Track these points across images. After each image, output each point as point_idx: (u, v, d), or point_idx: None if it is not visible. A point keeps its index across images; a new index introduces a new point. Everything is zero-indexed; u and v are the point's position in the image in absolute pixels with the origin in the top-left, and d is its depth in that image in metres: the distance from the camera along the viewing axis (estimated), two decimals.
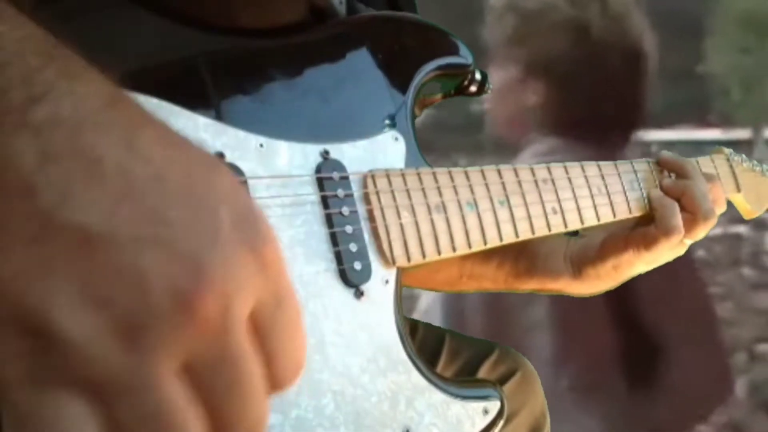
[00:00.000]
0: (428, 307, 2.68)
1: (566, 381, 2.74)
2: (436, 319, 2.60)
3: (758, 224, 3.88)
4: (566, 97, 2.84)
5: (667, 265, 1.26)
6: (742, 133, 4.28)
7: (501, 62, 2.75)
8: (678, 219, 1.17)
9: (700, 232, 1.21)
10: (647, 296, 2.76)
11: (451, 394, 0.94)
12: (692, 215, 1.19)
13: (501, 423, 0.97)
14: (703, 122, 4.29)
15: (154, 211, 0.44)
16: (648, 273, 1.26)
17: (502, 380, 1.29)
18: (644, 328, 2.84)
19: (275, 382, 0.49)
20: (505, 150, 2.90)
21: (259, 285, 0.47)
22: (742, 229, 3.86)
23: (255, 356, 0.47)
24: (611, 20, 2.86)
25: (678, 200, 1.20)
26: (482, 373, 1.29)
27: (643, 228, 1.19)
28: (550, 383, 2.68)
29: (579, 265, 1.23)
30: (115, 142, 0.44)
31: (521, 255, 1.26)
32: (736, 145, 4.20)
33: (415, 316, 2.50)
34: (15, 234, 0.42)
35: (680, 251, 1.24)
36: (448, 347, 1.31)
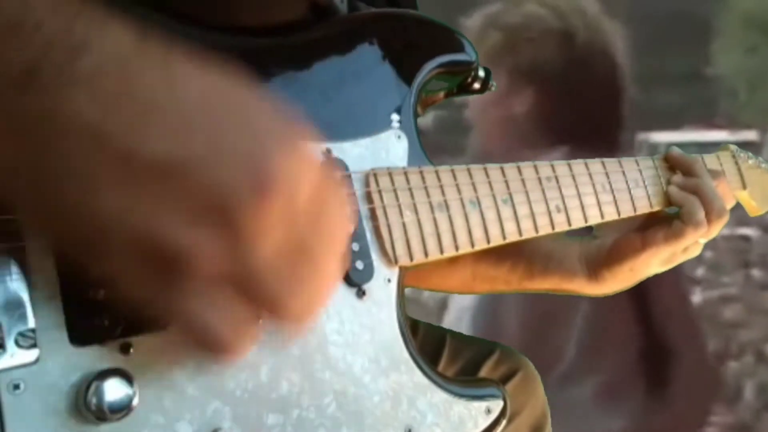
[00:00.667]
0: (459, 315, 2.68)
1: (591, 388, 2.75)
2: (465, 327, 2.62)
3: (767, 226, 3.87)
4: (554, 106, 2.86)
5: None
6: (749, 135, 4.26)
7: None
8: (703, 213, 1.19)
9: (714, 230, 1.21)
10: (660, 303, 2.78)
11: (454, 393, 0.94)
12: (706, 213, 1.19)
13: (504, 422, 0.97)
14: (711, 124, 4.27)
15: (211, 130, 0.51)
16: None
17: (504, 380, 1.29)
18: (659, 334, 2.85)
19: (325, 268, 0.60)
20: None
21: (308, 172, 0.56)
22: (750, 231, 3.84)
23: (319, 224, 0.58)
24: (593, 30, 2.89)
25: None
26: (483, 373, 1.29)
27: (663, 224, 1.20)
28: (576, 390, 2.71)
29: (594, 267, 1.24)
30: (158, 79, 0.51)
31: (534, 256, 1.26)
32: (743, 146, 4.20)
33: (445, 324, 2.51)
34: (105, 180, 0.48)
35: (696, 251, 1.25)
36: (449, 347, 1.31)
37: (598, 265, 1.23)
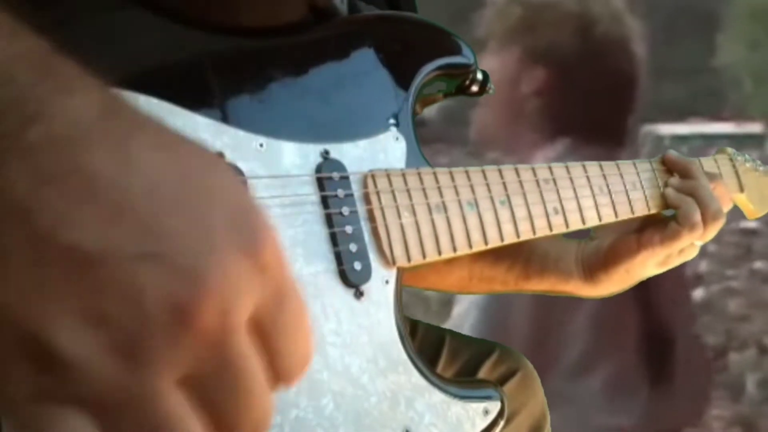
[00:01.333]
0: (464, 313, 2.69)
1: (598, 383, 2.76)
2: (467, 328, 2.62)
3: None
4: (562, 93, 2.85)
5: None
6: (754, 127, 4.26)
7: (499, 52, 2.75)
8: (699, 215, 1.18)
9: (711, 233, 1.21)
10: (662, 294, 2.78)
11: (452, 394, 0.94)
12: (702, 215, 1.19)
13: (501, 423, 0.97)
14: (716, 116, 4.27)
15: (148, 225, 0.44)
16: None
17: (503, 380, 1.29)
18: (660, 326, 2.86)
19: (282, 378, 0.49)
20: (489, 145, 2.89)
21: (258, 287, 0.46)
22: (754, 224, 3.84)
23: (257, 357, 0.47)
24: (615, 23, 2.88)
25: None
26: (482, 373, 1.29)
27: (660, 226, 1.20)
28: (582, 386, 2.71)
29: (591, 269, 1.23)
30: (108, 156, 0.44)
31: (532, 257, 1.26)
32: (748, 138, 4.19)
33: (449, 324, 2.51)
34: (14, 259, 0.42)
35: (692, 254, 1.25)
36: (448, 347, 1.31)
37: (594, 266, 1.23)
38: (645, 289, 2.67)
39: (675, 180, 1.23)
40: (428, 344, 1.29)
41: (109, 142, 0.44)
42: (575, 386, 2.69)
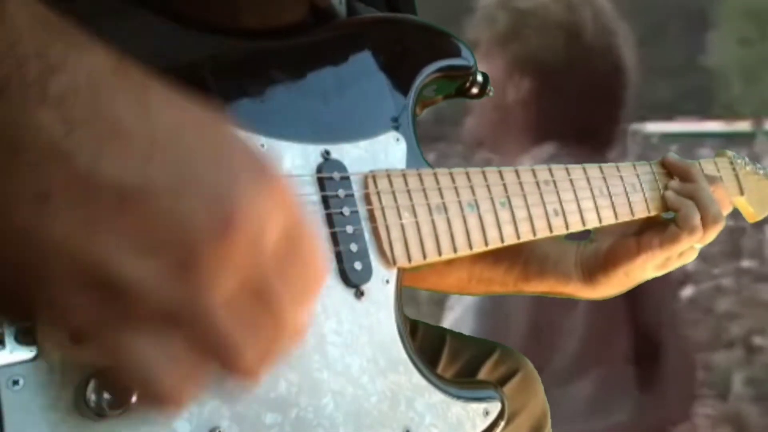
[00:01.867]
0: (461, 316, 2.69)
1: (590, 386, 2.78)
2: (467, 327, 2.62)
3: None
4: (549, 100, 2.87)
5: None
6: (743, 126, 4.27)
7: (487, 57, 2.76)
8: (698, 218, 1.20)
9: (710, 236, 1.22)
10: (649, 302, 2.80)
11: (452, 395, 0.94)
12: (702, 219, 1.20)
13: (502, 424, 0.97)
14: (705, 114, 4.28)
15: (180, 160, 0.48)
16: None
17: (503, 380, 1.30)
18: (647, 327, 2.88)
19: (297, 301, 0.55)
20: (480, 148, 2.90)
21: (280, 214, 0.52)
22: (743, 222, 3.85)
23: (284, 276, 0.53)
24: (601, 29, 2.89)
25: None
26: (483, 373, 1.29)
27: (659, 229, 1.21)
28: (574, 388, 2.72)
29: (590, 271, 1.24)
30: (131, 103, 0.48)
31: (531, 259, 1.27)
32: (737, 137, 4.20)
33: (447, 322, 2.52)
34: (60, 200, 0.46)
35: (692, 257, 1.26)
36: (448, 347, 1.31)
37: (593, 268, 1.23)
38: (633, 289, 2.69)
39: (675, 183, 1.24)
40: (429, 344, 1.30)
41: (129, 92, 0.49)
42: (567, 390, 2.71)
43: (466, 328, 2.59)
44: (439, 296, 2.73)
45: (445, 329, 1.40)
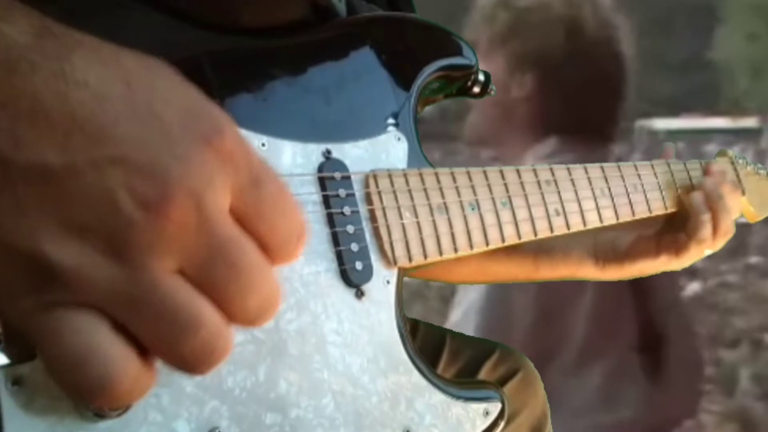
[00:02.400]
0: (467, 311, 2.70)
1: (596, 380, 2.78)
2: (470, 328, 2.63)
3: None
4: (553, 95, 2.88)
5: None
6: (749, 122, 4.26)
7: (489, 57, 2.77)
8: (709, 232, 1.24)
9: (720, 245, 1.27)
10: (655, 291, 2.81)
11: (452, 395, 0.94)
12: (714, 230, 1.24)
13: (502, 424, 0.97)
14: (712, 111, 4.26)
15: (104, 132, 0.45)
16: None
17: (503, 380, 1.30)
18: (653, 323, 2.88)
19: (280, 253, 0.51)
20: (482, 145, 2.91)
21: (228, 173, 0.48)
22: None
23: (247, 237, 0.49)
24: (601, 24, 2.90)
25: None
26: (483, 373, 1.30)
27: (674, 235, 1.24)
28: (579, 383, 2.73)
29: (604, 260, 1.28)
30: (50, 75, 0.45)
31: (541, 252, 1.31)
32: (744, 133, 4.19)
33: (447, 325, 2.52)
34: None
35: (700, 257, 1.29)
36: (449, 347, 1.32)
37: (609, 259, 1.27)
38: (638, 284, 2.70)
39: (698, 194, 1.26)
40: (429, 344, 1.30)
41: (49, 63, 0.45)
42: (573, 383, 2.71)
43: (471, 324, 2.59)
44: (447, 293, 2.74)
45: (445, 329, 1.40)
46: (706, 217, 1.23)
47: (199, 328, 0.47)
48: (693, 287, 3.66)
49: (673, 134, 4.05)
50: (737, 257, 3.94)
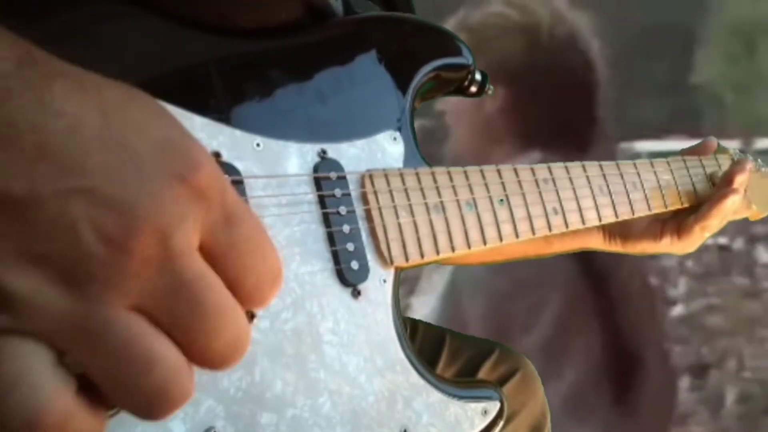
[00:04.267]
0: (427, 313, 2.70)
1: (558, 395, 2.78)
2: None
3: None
4: (525, 101, 2.90)
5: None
6: (733, 144, 4.29)
7: None
8: (717, 223, 1.29)
9: (716, 229, 1.31)
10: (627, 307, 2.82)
11: (450, 394, 0.94)
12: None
13: (501, 424, 0.97)
14: (694, 132, 4.29)
15: (72, 162, 0.44)
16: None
17: (503, 380, 1.30)
18: (625, 342, 2.89)
19: (253, 296, 0.49)
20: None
21: (200, 210, 0.46)
22: (729, 240, 3.86)
23: (216, 277, 0.47)
24: (558, 21, 2.93)
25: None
26: (483, 373, 1.29)
27: (680, 219, 1.29)
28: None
29: (611, 236, 1.33)
30: (28, 103, 0.44)
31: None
32: None
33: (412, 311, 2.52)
34: None
35: (702, 241, 1.33)
36: (448, 347, 1.32)
37: (616, 235, 1.32)
38: (611, 300, 2.70)
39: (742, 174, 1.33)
40: (428, 344, 1.30)
41: (30, 91, 0.45)
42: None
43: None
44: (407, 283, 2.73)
45: (445, 329, 1.40)
46: (716, 211, 1.28)
47: (153, 365, 0.45)
48: (677, 309, 3.67)
49: (657, 156, 4.07)
50: (721, 279, 3.95)
